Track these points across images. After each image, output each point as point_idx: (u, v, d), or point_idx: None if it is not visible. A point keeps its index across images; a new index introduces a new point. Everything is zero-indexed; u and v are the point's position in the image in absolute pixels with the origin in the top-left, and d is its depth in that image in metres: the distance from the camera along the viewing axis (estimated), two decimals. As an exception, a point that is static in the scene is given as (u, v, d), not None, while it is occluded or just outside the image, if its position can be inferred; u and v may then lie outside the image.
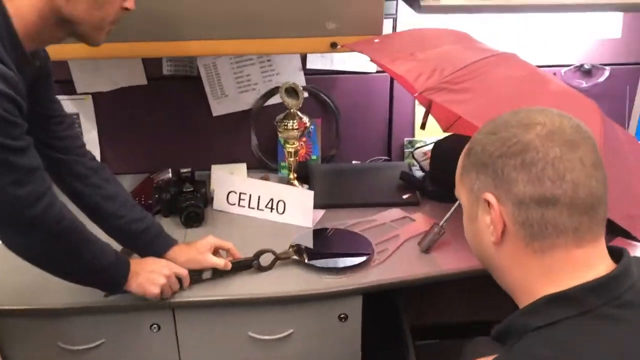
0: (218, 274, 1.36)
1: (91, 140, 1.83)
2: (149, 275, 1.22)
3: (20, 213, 0.97)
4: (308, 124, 1.69)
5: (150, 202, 1.66)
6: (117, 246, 1.27)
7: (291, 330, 1.39)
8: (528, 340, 0.74)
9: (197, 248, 1.33)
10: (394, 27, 1.76)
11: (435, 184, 1.71)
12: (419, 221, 1.60)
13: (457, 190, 0.87)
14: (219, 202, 1.67)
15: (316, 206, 1.60)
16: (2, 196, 0.94)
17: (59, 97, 1.27)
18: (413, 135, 1.94)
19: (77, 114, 1.81)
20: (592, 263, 0.76)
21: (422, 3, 1.42)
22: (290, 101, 1.65)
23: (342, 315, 1.39)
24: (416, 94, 1.10)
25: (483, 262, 0.87)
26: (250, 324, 1.38)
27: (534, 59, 1.32)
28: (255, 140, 1.89)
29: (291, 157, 1.72)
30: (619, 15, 1.80)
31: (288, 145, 1.71)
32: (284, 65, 1.81)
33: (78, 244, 1.08)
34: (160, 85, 1.81)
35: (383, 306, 1.64)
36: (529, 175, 0.75)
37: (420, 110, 1.89)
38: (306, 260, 1.41)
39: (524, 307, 0.78)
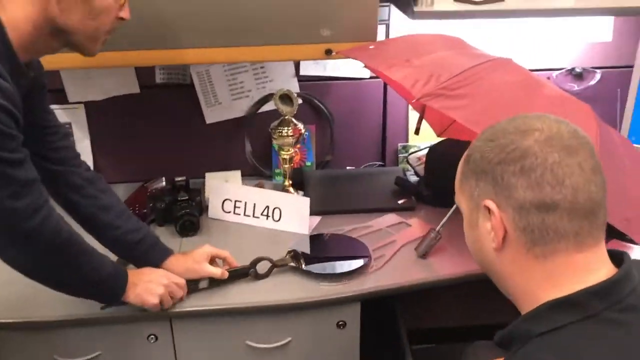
0: (215, 283, 1.35)
1: (84, 149, 1.82)
2: (147, 285, 1.21)
3: (18, 226, 0.96)
4: (303, 131, 1.69)
5: (144, 211, 1.65)
6: (112, 257, 1.26)
7: (289, 339, 1.38)
8: (532, 346, 0.74)
9: (193, 257, 1.33)
10: (387, 33, 1.77)
11: (430, 189, 1.71)
12: (415, 226, 1.61)
13: (457, 198, 0.88)
14: (214, 210, 1.66)
15: (312, 213, 1.59)
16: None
17: (51, 106, 1.26)
18: (407, 141, 1.94)
19: (70, 124, 1.79)
20: (593, 267, 0.77)
21: (415, 9, 1.42)
22: (284, 108, 1.65)
23: (340, 323, 1.38)
24: (414, 100, 1.10)
25: (484, 268, 0.87)
26: (248, 333, 1.37)
27: (526, 63, 1.33)
28: (249, 147, 1.89)
29: (286, 163, 1.72)
30: (610, 19, 1.81)
31: (283, 152, 1.70)
32: (277, 72, 1.81)
33: (76, 256, 1.07)
34: (153, 93, 1.80)
35: (380, 311, 1.64)
36: (528, 181, 0.75)
37: (413, 116, 1.89)
38: (303, 266, 1.40)
39: (526, 313, 0.78)
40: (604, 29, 1.83)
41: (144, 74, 1.76)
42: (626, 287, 0.75)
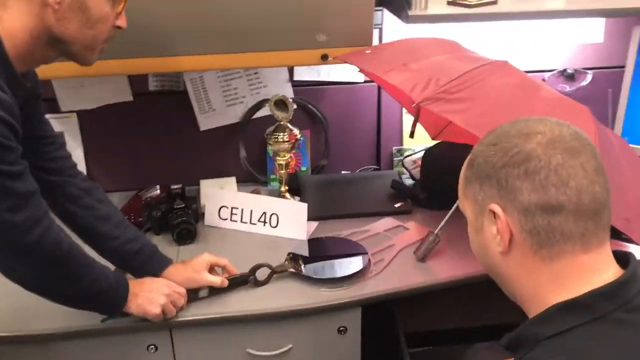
0: (215, 291, 1.34)
1: (76, 158, 1.76)
2: (149, 295, 1.20)
3: (18, 239, 0.95)
4: (299, 136, 1.69)
5: (140, 220, 1.63)
6: (111, 268, 1.24)
7: (290, 346, 1.38)
8: (541, 349, 0.74)
9: (193, 267, 1.32)
10: (380, 38, 1.77)
11: (426, 192, 1.71)
12: (413, 230, 1.61)
13: (461, 203, 0.88)
14: (210, 217, 1.65)
15: (309, 218, 1.59)
16: None
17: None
18: (401, 144, 1.94)
19: (62, 133, 1.77)
20: (599, 268, 0.77)
21: (410, 13, 1.43)
22: (280, 114, 1.64)
23: (341, 328, 1.38)
24: (414, 105, 1.10)
25: (490, 272, 0.87)
26: (249, 341, 1.36)
27: (518, 65, 1.33)
28: (243, 153, 1.88)
29: (282, 169, 1.71)
30: (601, 20, 1.83)
31: (279, 158, 1.70)
32: (271, 77, 1.81)
33: (77, 268, 1.06)
34: (146, 101, 1.78)
35: (378, 315, 1.64)
36: (533, 184, 0.75)
37: (407, 119, 1.90)
38: (303, 269, 1.40)
39: (535, 316, 0.78)
40: (595, 30, 1.85)
41: (137, 81, 1.75)
42: (633, 288, 0.75)
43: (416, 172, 1.82)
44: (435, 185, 1.69)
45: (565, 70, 1.88)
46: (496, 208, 0.78)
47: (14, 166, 0.92)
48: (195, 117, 1.82)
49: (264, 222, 1.61)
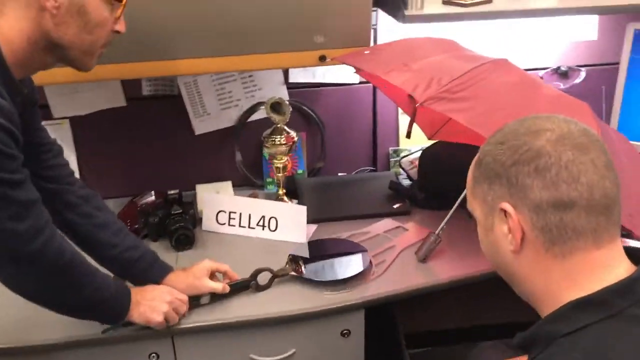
0: (216, 297, 1.32)
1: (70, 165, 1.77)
2: (151, 303, 1.18)
3: (20, 248, 0.93)
4: (295, 139, 1.67)
5: (136, 226, 1.61)
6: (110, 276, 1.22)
7: (293, 350, 1.37)
8: (557, 347, 0.74)
9: (194, 273, 1.30)
10: (375, 38, 1.76)
11: (424, 192, 1.71)
12: (412, 230, 1.60)
13: (470, 203, 0.87)
14: (208, 222, 1.64)
15: (307, 221, 1.58)
16: (1, 232, 0.90)
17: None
18: (397, 145, 1.94)
19: (55, 140, 1.74)
20: (611, 264, 0.77)
21: (406, 13, 1.43)
22: (276, 116, 1.63)
23: (344, 331, 1.37)
24: (417, 105, 1.10)
25: (501, 272, 0.86)
26: (252, 346, 1.35)
27: (513, 63, 1.33)
28: (239, 157, 1.87)
29: (279, 172, 1.70)
30: (595, 17, 1.84)
31: (276, 161, 1.68)
32: (266, 80, 1.79)
33: (79, 277, 1.04)
34: (140, 105, 1.76)
35: (379, 317, 1.63)
36: (543, 181, 0.75)
37: (404, 120, 1.89)
38: (304, 270, 1.39)
39: (548, 315, 0.78)
40: (589, 27, 1.86)
41: (130, 86, 1.73)
42: (646, 284, 0.75)
43: (413, 173, 1.82)
44: (433, 185, 1.69)
45: (559, 67, 1.89)
46: (507, 207, 0.78)
47: (15, 174, 0.90)
48: (189, 122, 1.80)
49: (263, 226, 1.59)
